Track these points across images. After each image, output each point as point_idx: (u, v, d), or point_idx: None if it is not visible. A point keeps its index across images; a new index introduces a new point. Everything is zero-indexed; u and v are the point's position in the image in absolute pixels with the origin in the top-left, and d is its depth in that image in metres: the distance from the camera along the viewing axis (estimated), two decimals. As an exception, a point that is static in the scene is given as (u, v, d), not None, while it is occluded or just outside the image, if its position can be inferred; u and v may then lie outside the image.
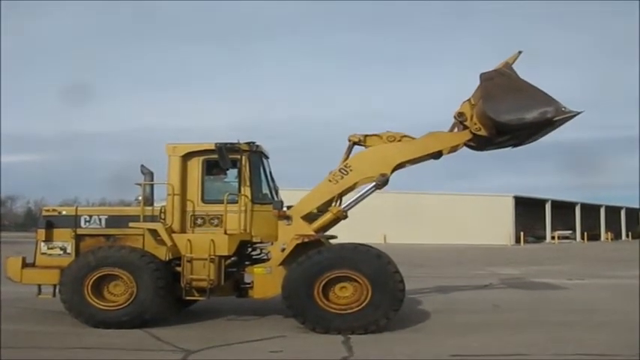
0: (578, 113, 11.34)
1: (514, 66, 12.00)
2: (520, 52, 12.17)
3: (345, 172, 12.02)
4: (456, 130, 12.39)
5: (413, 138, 12.31)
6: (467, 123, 12.06)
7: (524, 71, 11.90)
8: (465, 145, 12.37)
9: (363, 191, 12.18)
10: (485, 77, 11.70)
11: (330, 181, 12.06)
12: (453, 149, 12.35)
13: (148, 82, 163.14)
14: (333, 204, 12.16)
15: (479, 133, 11.93)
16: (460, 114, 12.11)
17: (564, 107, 11.30)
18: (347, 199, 12.41)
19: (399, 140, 12.25)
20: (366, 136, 12.38)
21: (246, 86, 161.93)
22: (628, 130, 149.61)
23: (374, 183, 11.98)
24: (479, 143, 12.39)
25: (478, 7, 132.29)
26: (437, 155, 12.34)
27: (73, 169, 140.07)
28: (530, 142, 12.92)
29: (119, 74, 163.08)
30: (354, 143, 12.40)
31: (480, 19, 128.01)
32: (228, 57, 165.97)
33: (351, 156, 12.36)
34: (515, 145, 13.07)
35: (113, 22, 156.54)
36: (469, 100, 12.14)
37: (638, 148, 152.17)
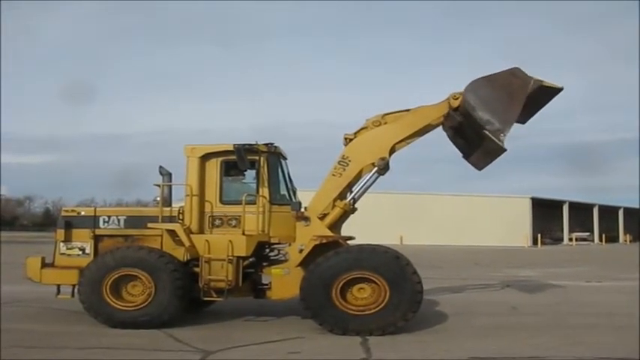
0: (503, 150, 11.31)
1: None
2: (561, 89, 12.15)
3: (346, 164, 12.05)
4: None
5: (395, 114, 12.28)
6: None
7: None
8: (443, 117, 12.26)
9: (366, 180, 12.16)
10: (510, 70, 11.65)
11: (334, 175, 12.07)
12: (441, 121, 12.24)
13: (166, 84, 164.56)
14: (348, 197, 12.14)
15: (452, 102, 11.90)
16: None
17: (503, 136, 11.21)
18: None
19: (385, 122, 12.24)
20: (357, 132, 12.37)
21: (264, 87, 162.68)
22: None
23: (375, 169, 12.00)
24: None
25: (479, 9, 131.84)
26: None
27: (90, 170, 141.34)
28: (475, 163, 12.49)
29: (138, 75, 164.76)
30: (350, 141, 12.38)
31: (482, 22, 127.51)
32: (247, 58, 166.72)
33: None
34: (464, 154, 12.77)
35: (129, 23, 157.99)
36: None
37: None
